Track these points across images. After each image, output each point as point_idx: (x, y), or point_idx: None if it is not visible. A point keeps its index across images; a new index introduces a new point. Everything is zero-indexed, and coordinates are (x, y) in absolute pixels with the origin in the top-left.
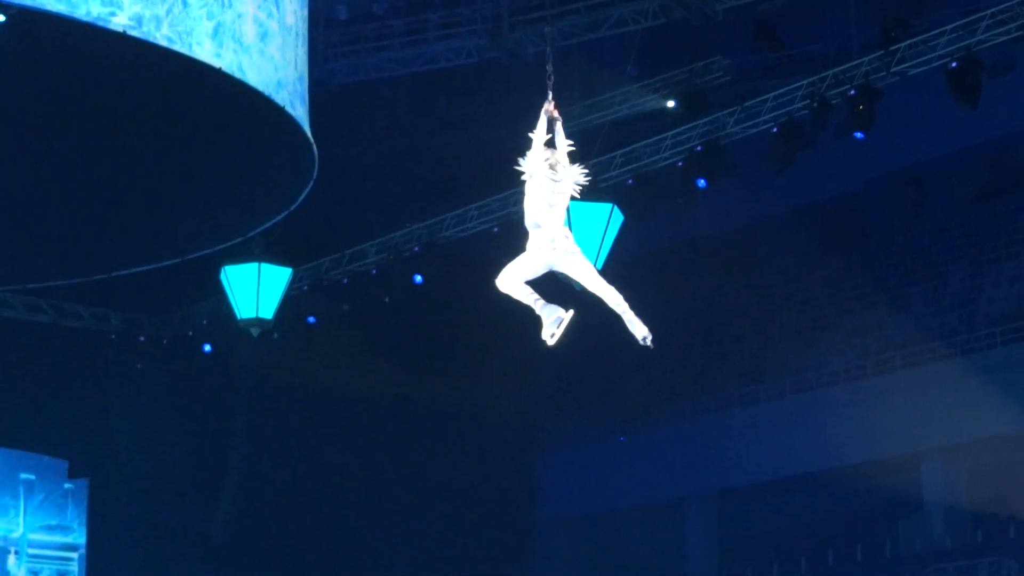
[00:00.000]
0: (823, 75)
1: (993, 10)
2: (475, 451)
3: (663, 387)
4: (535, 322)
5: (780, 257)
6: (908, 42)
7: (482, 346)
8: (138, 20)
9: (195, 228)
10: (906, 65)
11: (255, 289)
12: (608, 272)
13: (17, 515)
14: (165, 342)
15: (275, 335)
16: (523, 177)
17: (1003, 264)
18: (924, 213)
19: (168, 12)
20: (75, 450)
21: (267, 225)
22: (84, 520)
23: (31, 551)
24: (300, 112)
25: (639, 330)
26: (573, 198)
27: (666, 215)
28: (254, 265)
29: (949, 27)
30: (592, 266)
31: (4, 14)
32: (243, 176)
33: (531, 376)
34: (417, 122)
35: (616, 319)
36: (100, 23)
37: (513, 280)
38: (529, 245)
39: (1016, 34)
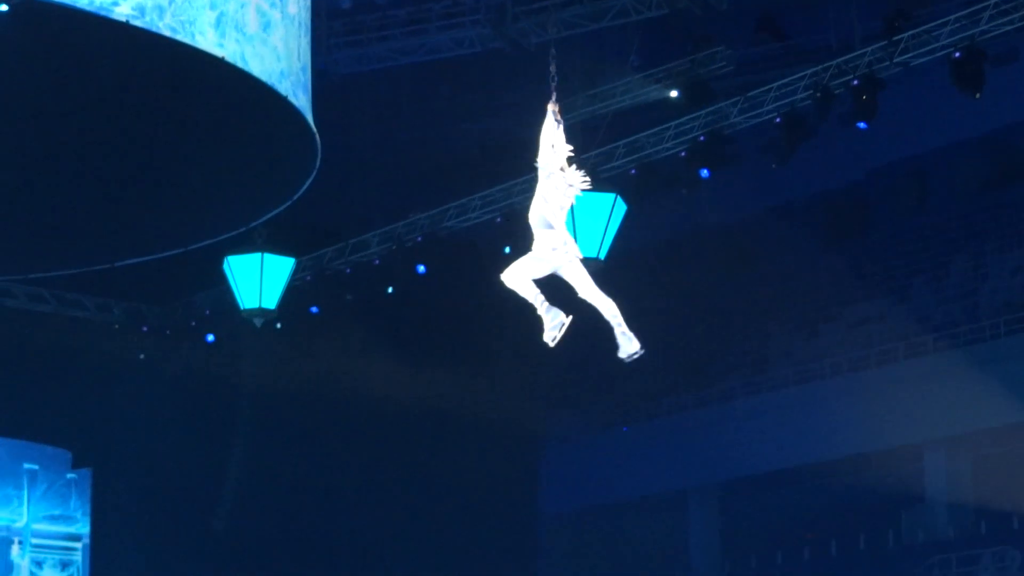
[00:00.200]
0: (826, 65)
1: (996, 0)
2: (478, 442)
3: (666, 379)
4: (538, 316)
5: (783, 247)
6: (911, 32)
7: (485, 336)
8: (141, 10)
9: (198, 218)
10: (909, 55)
11: (258, 279)
12: (611, 262)
13: (20, 505)
14: (168, 332)
15: (278, 325)
16: (542, 176)
17: (1006, 254)
18: (927, 203)
19: (171, 2)
20: (78, 440)
21: (270, 215)
22: (87, 510)
23: (34, 541)
24: (303, 102)
25: (628, 345)
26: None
27: (669, 205)
28: (257, 255)
29: (952, 17)
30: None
31: (7, 3)
32: (246, 166)
33: (534, 367)
34: (420, 112)
35: (619, 308)
36: (103, 13)
37: (521, 278)
38: (537, 245)
39: (1019, 24)
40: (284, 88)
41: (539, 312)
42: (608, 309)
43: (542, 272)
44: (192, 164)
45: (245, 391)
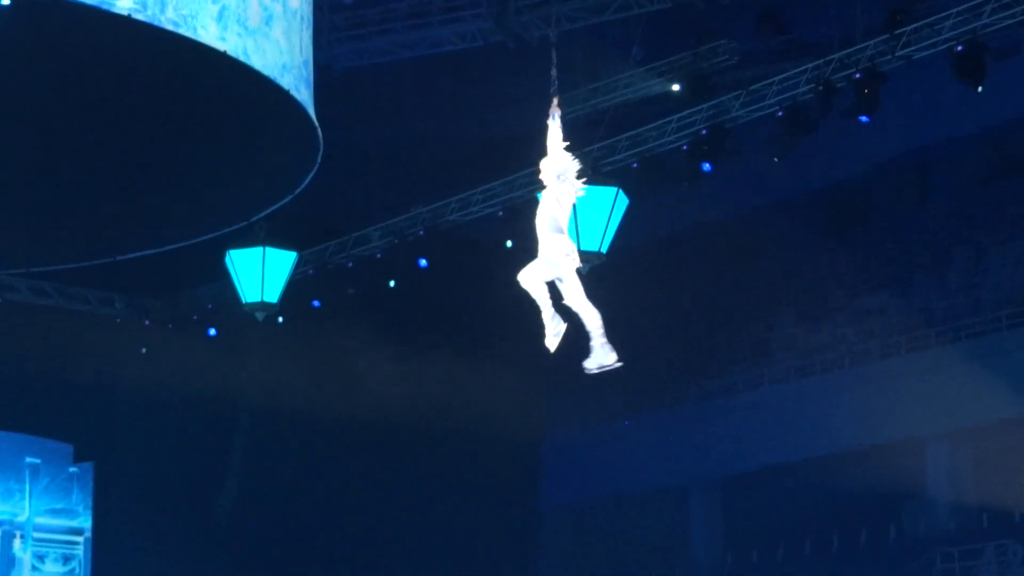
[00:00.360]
0: (828, 59)
1: None
2: (479, 436)
3: (667, 372)
4: (540, 318)
5: (785, 241)
6: (913, 26)
7: (486, 330)
8: (143, 4)
9: (200, 212)
10: (911, 49)
11: (260, 273)
12: (613, 255)
13: (23, 499)
14: (170, 326)
15: (280, 319)
16: (552, 179)
17: (1008, 248)
18: (929, 197)
19: None
20: (80, 434)
21: (272, 209)
22: (89, 504)
23: (36, 535)
24: (305, 96)
25: (604, 357)
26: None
27: (671, 199)
28: (259, 249)
29: (954, 11)
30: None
31: None
32: (248, 160)
33: (535, 360)
34: (421, 106)
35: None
36: (105, 7)
37: (535, 280)
38: (548, 249)
39: (1021, 18)
40: (286, 82)
41: (544, 316)
42: (593, 320)
43: (550, 276)
44: (194, 158)
45: (247, 385)
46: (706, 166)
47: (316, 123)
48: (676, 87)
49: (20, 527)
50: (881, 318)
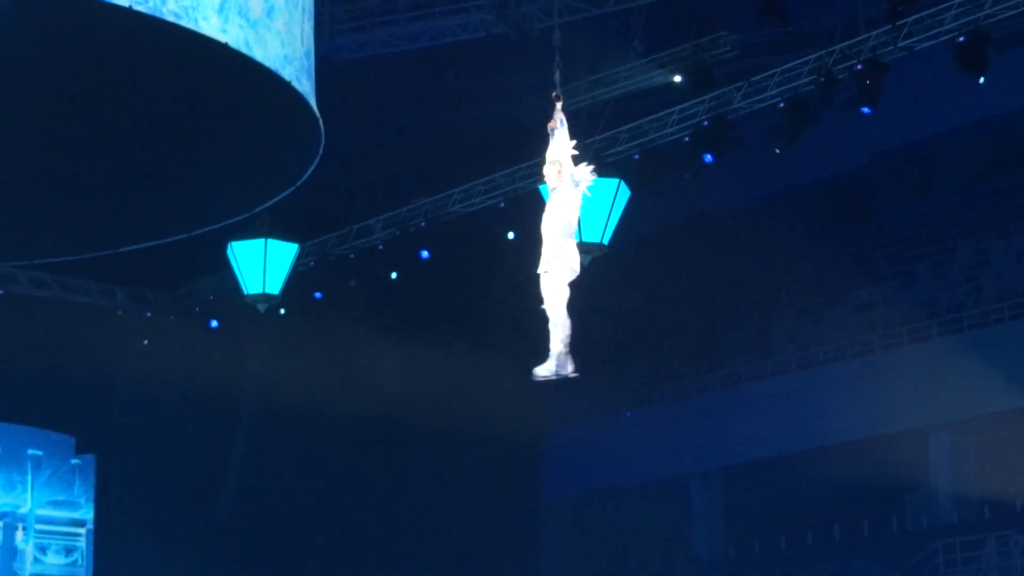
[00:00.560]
0: (830, 50)
1: None
2: (480, 428)
3: (669, 364)
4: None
5: (786, 232)
6: (915, 16)
7: (489, 321)
8: None
9: (201, 204)
10: (913, 40)
11: (262, 265)
12: (615, 247)
13: (25, 491)
14: (172, 318)
15: (282, 311)
16: (566, 184)
17: (1010, 239)
18: (931, 188)
19: None
20: (82, 426)
21: (273, 201)
22: (91, 496)
23: (38, 527)
24: (306, 87)
25: (560, 366)
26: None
27: (673, 190)
28: (260, 241)
29: (956, 1)
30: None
31: None
32: (249, 152)
33: (538, 352)
34: (423, 97)
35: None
36: None
37: (560, 305)
38: (570, 255)
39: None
40: (288, 74)
41: (552, 347)
42: (565, 329)
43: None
44: (195, 150)
45: (249, 377)
46: (708, 157)
47: (318, 114)
48: (677, 78)
49: (22, 519)
50: (883, 309)
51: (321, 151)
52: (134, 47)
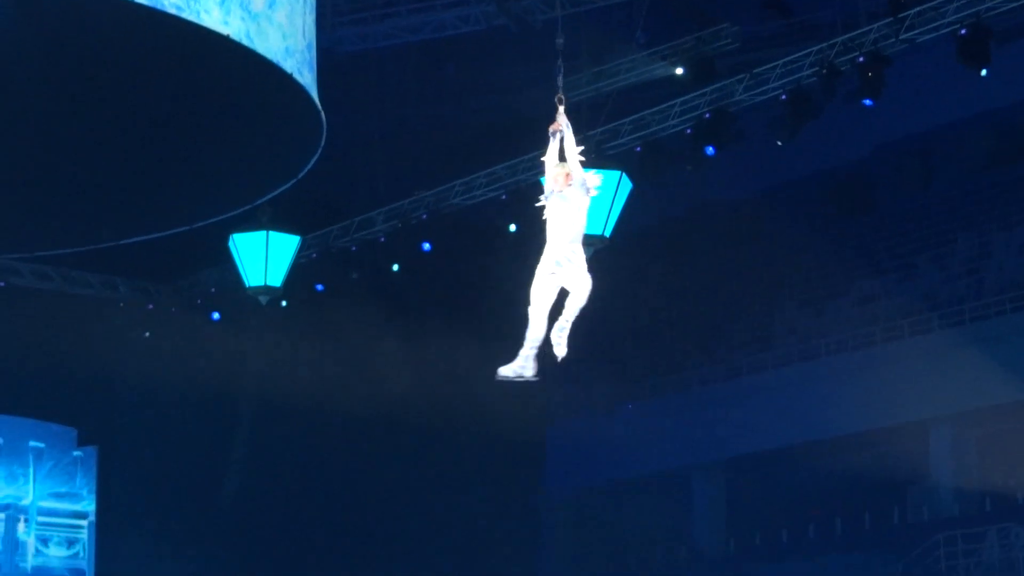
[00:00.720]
0: (832, 42)
1: None
2: (483, 420)
3: (670, 356)
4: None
5: (788, 224)
6: (917, 9)
7: (490, 313)
8: None
9: (203, 196)
10: (915, 32)
11: (263, 257)
12: (617, 239)
13: (27, 483)
14: (173, 310)
15: (283, 303)
16: (588, 192)
17: (1011, 232)
18: (933, 180)
19: None
20: (84, 418)
21: (275, 193)
22: (93, 488)
23: (40, 518)
24: (308, 79)
25: (517, 366)
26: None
27: (675, 182)
28: (262, 233)
29: None
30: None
31: None
32: (251, 144)
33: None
34: (425, 90)
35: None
36: None
37: (544, 308)
38: (580, 260)
39: None
40: (289, 66)
41: (523, 350)
42: (539, 332)
43: (554, 289)
44: (197, 142)
45: (250, 369)
46: (709, 150)
47: (319, 107)
48: (679, 71)
49: (24, 511)
50: (884, 302)
51: (323, 143)
52: (136, 40)
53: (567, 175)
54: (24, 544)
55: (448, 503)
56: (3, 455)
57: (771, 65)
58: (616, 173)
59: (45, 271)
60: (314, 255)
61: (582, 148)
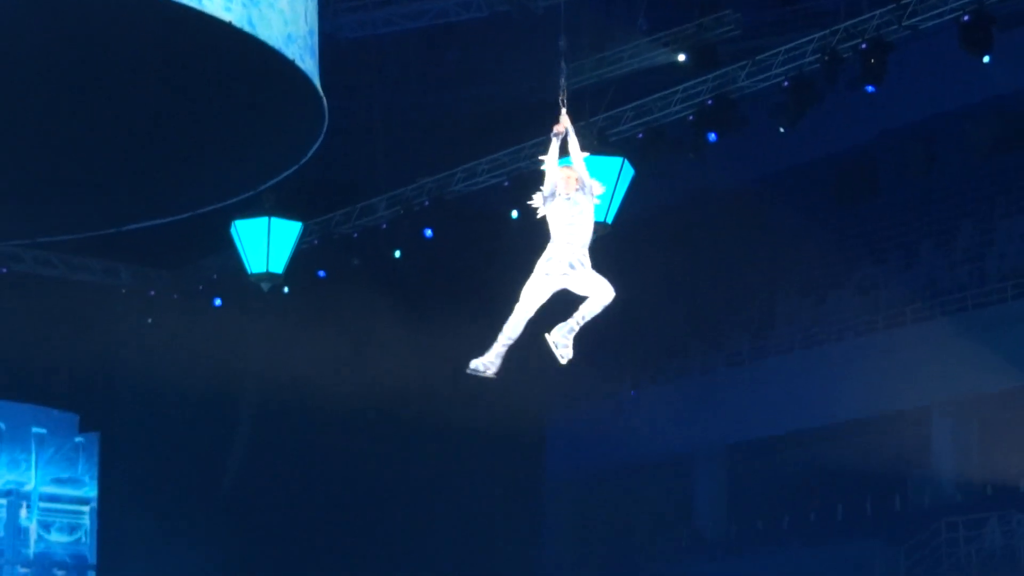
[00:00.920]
0: (834, 29)
1: None
2: (485, 406)
3: (672, 342)
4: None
5: (790, 211)
6: None
7: (492, 300)
8: None
9: (205, 182)
10: (918, 19)
11: (265, 243)
12: (618, 226)
13: (29, 468)
14: (175, 296)
15: (285, 289)
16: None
17: (1014, 219)
18: (935, 167)
19: None
20: (86, 404)
21: (277, 179)
22: (95, 473)
23: (42, 504)
24: (310, 66)
25: (483, 361)
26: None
27: (676, 169)
28: (264, 219)
29: None
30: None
31: None
32: (253, 130)
33: (540, 331)
34: (426, 76)
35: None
36: None
37: (531, 309)
38: (588, 265)
39: None
40: (291, 52)
41: (498, 343)
42: (515, 332)
43: (547, 294)
44: (199, 129)
45: (252, 355)
46: (711, 136)
47: (321, 93)
48: (681, 57)
49: (26, 496)
50: (886, 289)
51: (325, 130)
52: (138, 26)
53: (576, 179)
54: (26, 530)
55: (450, 489)
56: (5, 441)
57: (773, 52)
58: (618, 160)
59: (47, 257)
60: (316, 241)
61: (586, 154)
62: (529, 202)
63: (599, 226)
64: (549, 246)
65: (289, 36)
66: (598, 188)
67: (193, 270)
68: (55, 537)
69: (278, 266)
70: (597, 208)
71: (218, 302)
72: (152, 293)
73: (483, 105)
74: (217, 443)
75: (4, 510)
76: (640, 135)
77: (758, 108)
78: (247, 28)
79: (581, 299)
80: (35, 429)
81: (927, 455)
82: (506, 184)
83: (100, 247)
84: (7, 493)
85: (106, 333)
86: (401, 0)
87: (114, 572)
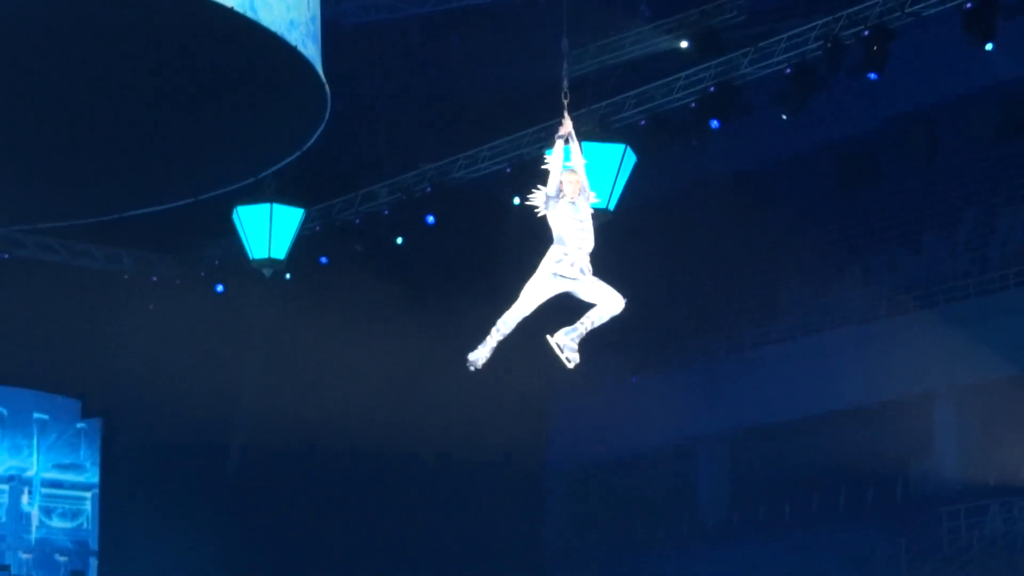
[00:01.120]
0: (837, 15)
1: None
2: (485, 393)
3: (674, 329)
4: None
5: (793, 198)
6: None
7: (494, 287)
8: None
9: (207, 168)
10: (920, 6)
11: (267, 230)
12: (620, 214)
13: (31, 454)
14: (178, 282)
15: (287, 276)
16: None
17: (1017, 206)
18: (938, 154)
19: None
20: (88, 390)
21: (279, 165)
22: (97, 459)
23: (44, 490)
24: (312, 52)
25: (476, 355)
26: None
27: (679, 156)
28: (266, 205)
29: None
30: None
31: None
32: (255, 116)
33: (542, 319)
34: (429, 62)
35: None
36: None
37: (530, 308)
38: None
39: None
40: (293, 38)
41: (492, 335)
42: (508, 329)
43: (548, 295)
44: (201, 115)
45: (254, 341)
46: (714, 123)
47: (324, 79)
48: (684, 44)
49: (28, 482)
50: (889, 275)
51: (327, 116)
52: (140, 11)
53: (579, 183)
54: (28, 516)
55: (451, 476)
56: (7, 427)
57: (776, 38)
58: (620, 146)
59: (49, 243)
60: (318, 228)
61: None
62: (528, 200)
63: (601, 213)
64: (556, 248)
65: (291, 22)
66: (593, 197)
67: (195, 256)
68: (57, 523)
69: (280, 252)
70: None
71: (220, 288)
72: (154, 279)
73: (485, 91)
74: (219, 429)
75: (6, 496)
76: (642, 122)
77: (761, 95)
78: (249, 14)
79: (584, 305)
80: (37, 415)
81: (929, 443)
82: (508, 171)
83: (102, 233)
84: (9, 479)
85: (108, 319)
86: None
87: (116, 558)
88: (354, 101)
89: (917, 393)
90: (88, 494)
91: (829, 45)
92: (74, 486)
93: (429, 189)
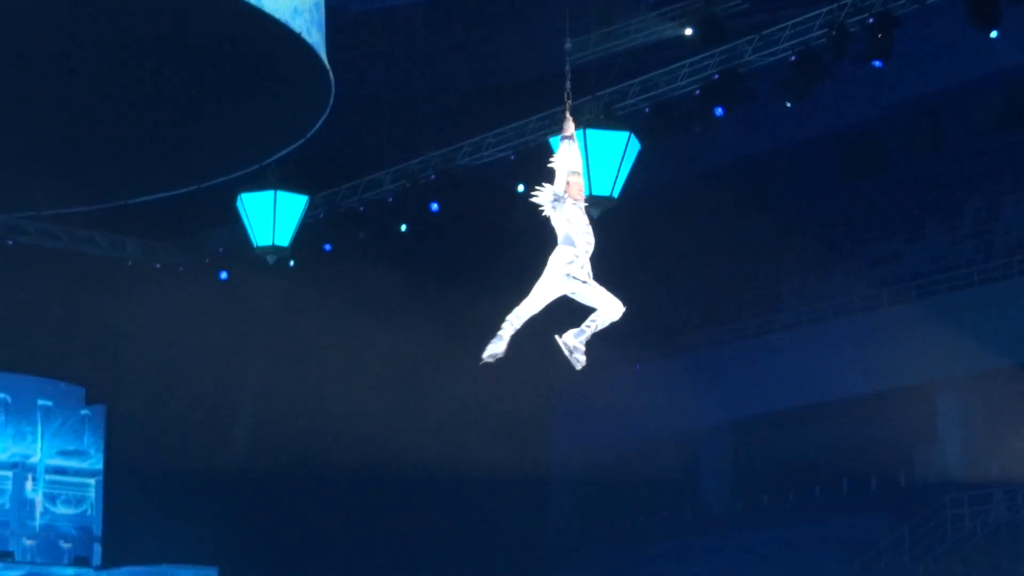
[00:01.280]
0: (842, 3)
1: None
2: (488, 380)
3: (678, 317)
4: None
5: (796, 186)
6: None
7: (496, 274)
8: None
9: (212, 156)
10: None
11: (271, 217)
12: (625, 201)
13: (35, 441)
14: (181, 269)
15: (291, 262)
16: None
17: (1020, 194)
18: (942, 142)
19: None
20: (92, 376)
21: (283, 153)
22: (101, 446)
23: (48, 476)
24: (316, 39)
25: (489, 351)
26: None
27: (683, 143)
28: (270, 193)
29: None
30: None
31: None
32: (260, 104)
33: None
34: (433, 50)
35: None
36: None
37: (540, 305)
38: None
39: None
40: (298, 25)
41: (503, 331)
42: (517, 325)
43: (553, 296)
44: (206, 102)
45: (258, 328)
46: (718, 111)
47: (328, 67)
48: (689, 32)
49: (32, 469)
50: (892, 264)
51: (331, 103)
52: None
53: (580, 183)
54: (32, 502)
55: (456, 462)
56: (11, 413)
57: (780, 26)
58: (625, 134)
59: (53, 230)
60: (322, 215)
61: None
62: (531, 198)
63: (605, 200)
64: (566, 248)
65: (296, 9)
66: (584, 202)
67: (199, 243)
68: (61, 509)
69: (284, 239)
70: (605, 182)
71: (224, 275)
72: (158, 266)
73: (489, 79)
74: (222, 415)
75: (10, 482)
76: (647, 109)
77: (765, 82)
78: (253, 1)
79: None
80: (41, 401)
81: (933, 430)
82: (512, 158)
83: (106, 220)
84: (13, 465)
85: (112, 306)
86: None
87: (119, 544)
88: (358, 88)
89: (920, 382)
90: (92, 480)
91: (833, 33)
92: (78, 472)
93: (433, 176)
